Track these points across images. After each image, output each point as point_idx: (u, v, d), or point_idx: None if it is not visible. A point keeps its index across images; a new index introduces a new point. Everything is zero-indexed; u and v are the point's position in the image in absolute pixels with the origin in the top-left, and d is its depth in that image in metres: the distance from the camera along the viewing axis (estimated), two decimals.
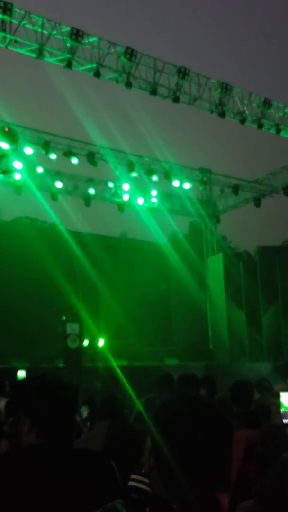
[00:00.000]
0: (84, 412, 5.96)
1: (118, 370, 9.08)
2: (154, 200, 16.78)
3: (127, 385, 5.98)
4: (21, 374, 9.69)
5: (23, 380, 7.68)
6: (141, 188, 17.05)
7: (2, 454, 2.18)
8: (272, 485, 1.37)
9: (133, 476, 1.65)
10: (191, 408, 1.28)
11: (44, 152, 13.71)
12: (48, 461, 1.80)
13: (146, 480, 1.59)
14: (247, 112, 14.12)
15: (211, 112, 13.79)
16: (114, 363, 10.88)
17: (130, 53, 12.00)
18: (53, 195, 14.92)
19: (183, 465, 1.22)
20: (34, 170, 14.38)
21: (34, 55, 11.46)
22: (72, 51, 11.59)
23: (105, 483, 1.90)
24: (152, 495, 1.36)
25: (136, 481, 1.62)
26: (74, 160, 14.31)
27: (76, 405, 2.11)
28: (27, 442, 1.91)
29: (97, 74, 11.98)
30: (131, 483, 1.64)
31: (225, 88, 13.45)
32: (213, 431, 1.23)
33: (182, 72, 12.72)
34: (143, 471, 1.61)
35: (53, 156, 13.93)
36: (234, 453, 1.59)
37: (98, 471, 1.93)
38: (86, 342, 13.12)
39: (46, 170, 14.70)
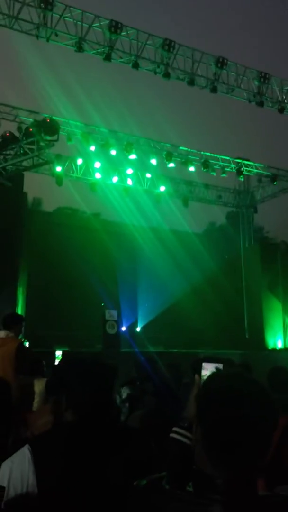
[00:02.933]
0: (124, 393, 6.16)
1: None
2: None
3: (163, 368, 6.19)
4: (58, 353, 10.21)
5: (62, 361, 8.00)
6: (178, 179, 17.21)
7: (46, 430, 2.29)
8: None
9: (175, 429, 1.76)
10: (238, 383, 1.29)
11: (85, 143, 13.99)
12: (83, 438, 1.85)
13: (188, 434, 1.68)
14: (286, 101, 14.01)
15: (249, 101, 13.70)
16: (151, 349, 11.12)
17: (168, 44, 12.05)
18: (92, 186, 15.23)
19: (229, 439, 1.21)
20: (74, 162, 14.78)
21: (74, 48, 11.57)
22: (111, 44, 11.72)
23: (143, 457, 1.97)
24: (195, 470, 1.36)
25: (178, 434, 1.73)
26: (113, 152, 14.57)
27: (113, 385, 2.17)
28: (65, 419, 2.02)
29: (135, 65, 12.08)
30: (172, 435, 1.75)
31: (264, 77, 13.34)
32: (258, 405, 1.23)
33: (220, 62, 12.69)
34: (185, 424, 1.71)
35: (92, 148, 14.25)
36: None
37: (136, 446, 2.01)
38: (123, 328, 13.44)
39: (85, 162, 15.06)
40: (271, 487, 1.73)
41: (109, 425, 2.01)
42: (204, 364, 1.68)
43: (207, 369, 1.66)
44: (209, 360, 1.70)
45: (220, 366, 1.66)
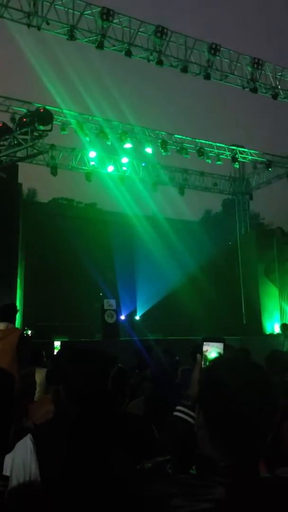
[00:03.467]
0: None
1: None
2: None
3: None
4: (57, 344, 10.34)
5: (61, 351, 8.05)
6: (173, 167, 17.18)
7: (47, 420, 2.31)
8: None
9: (179, 407, 1.78)
10: (239, 371, 1.30)
11: (79, 132, 13.94)
12: (84, 426, 1.83)
13: (191, 412, 1.71)
14: (279, 87, 13.96)
15: (243, 88, 13.62)
16: (150, 337, 11.19)
17: (160, 31, 11.92)
18: (88, 176, 15.20)
19: (231, 426, 1.22)
20: (69, 152, 14.73)
21: (66, 37, 11.37)
22: (103, 31, 11.56)
23: (145, 443, 2.00)
24: (198, 453, 1.37)
25: (182, 412, 1.76)
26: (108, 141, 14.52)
27: (110, 373, 2.14)
28: (66, 409, 1.98)
29: (128, 53, 11.95)
30: (176, 413, 1.78)
31: (257, 63, 13.25)
32: (260, 393, 1.24)
33: (213, 49, 12.58)
34: (189, 403, 1.74)
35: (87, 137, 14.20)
36: None
37: (137, 432, 2.06)
38: (122, 317, 13.52)
39: (80, 151, 15.01)
40: (272, 469, 1.74)
41: (109, 412, 2.01)
42: (204, 343, 1.72)
43: (209, 345, 1.72)
44: (208, 339, 1.75)
45: (221, 345, 1.71)
